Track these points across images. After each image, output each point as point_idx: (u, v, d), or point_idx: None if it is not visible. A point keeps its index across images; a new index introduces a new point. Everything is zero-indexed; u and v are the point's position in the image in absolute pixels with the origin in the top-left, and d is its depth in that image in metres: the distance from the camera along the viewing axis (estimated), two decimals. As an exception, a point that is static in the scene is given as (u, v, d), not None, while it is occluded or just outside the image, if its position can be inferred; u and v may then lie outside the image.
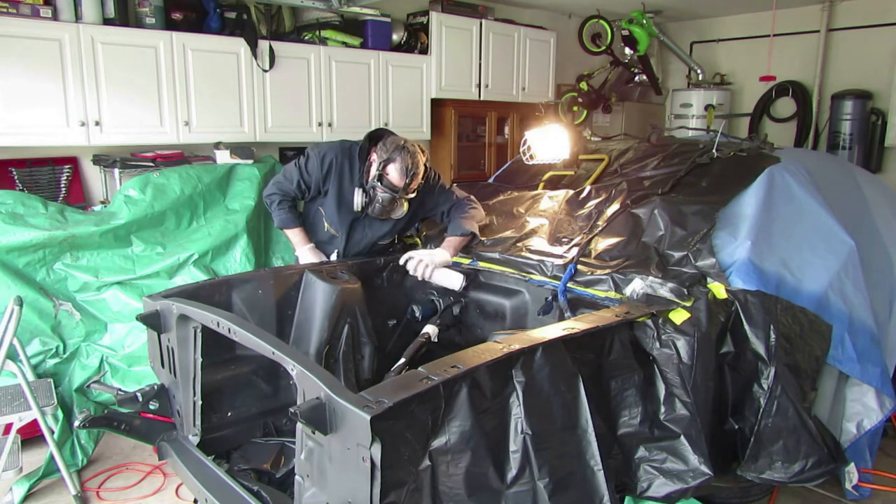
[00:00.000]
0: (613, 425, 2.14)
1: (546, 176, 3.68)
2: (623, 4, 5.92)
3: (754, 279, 2.43)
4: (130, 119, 3.93)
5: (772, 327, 2.32)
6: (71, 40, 3.66)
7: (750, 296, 2.36)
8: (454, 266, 3.16)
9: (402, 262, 3.16)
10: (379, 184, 3.06)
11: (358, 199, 3.12)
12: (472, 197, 3.40)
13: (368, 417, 1.48)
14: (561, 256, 2.82)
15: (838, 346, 2.56)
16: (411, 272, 3.12)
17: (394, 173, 3.04)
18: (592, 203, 3.08)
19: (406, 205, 3.18)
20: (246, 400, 2.81)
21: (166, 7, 4.08)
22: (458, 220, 3.23)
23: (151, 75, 3.98)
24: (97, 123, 3.81)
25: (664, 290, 2.43)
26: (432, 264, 3.09)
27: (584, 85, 6.23)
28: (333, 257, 3.29)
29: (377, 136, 3.20)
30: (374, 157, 3.12)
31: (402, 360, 2.72)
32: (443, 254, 3.14)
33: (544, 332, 2.02)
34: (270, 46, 4.42)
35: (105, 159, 4.04)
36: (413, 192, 3.13)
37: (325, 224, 3.29)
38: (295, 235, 3.28)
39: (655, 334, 2.22)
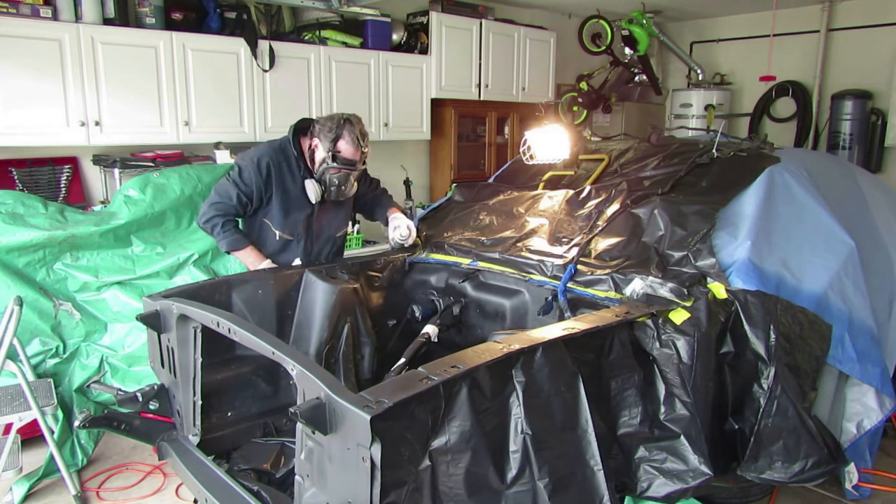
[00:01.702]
0: (613, 425, 2.15)
1: (546, 176, 3.67)
2: (623, 4, 5.92)
3: (754, 279, 2.43)
4: (130, 119, 3.93)
5: (772, 327, 2.33)
6: (71, 40, 3.67)
7: (750, 296, 2.36)
8: (454, 266, 3.17)
9: (393, 235, 3.27)
10: (334, 164, 2.98)
11: (312, 190, 3.03)
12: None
13: (368, 417, 1.48)
14: (561, 256, 2.82)
15: (838, 346, 2.56)
16: (409, 241, 3.25)
17: (347, 147, 2.97)
18: (592, 203, 3.08)
19: (356, 183, 3.16)
20: (246, 400, 2.81)
21: (166, 7, 4.08)
22: (389, 198, 3.49)
23: (151, 75, 3.98)
24: (97, 123, 3.81)
25: (664, 290, 2.43)
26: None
27: (584, 85, 6.23)
28: (297, 264, 3.14)
29: (303, 126, 3.11)
30: (315, 142, 3.02)
31: (402, 360, 2.72)
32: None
33: (544, 332, 2.02)
34: (270, 46, 4.42)
35: (105, 159, 4.04)
36: (364, 161, 3.08)
37: (276, 233, 3.12)
38: (248, 255, 3.08)
39: (655, 334, 2.22)
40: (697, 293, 2.37)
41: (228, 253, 3.14)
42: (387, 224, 3.39)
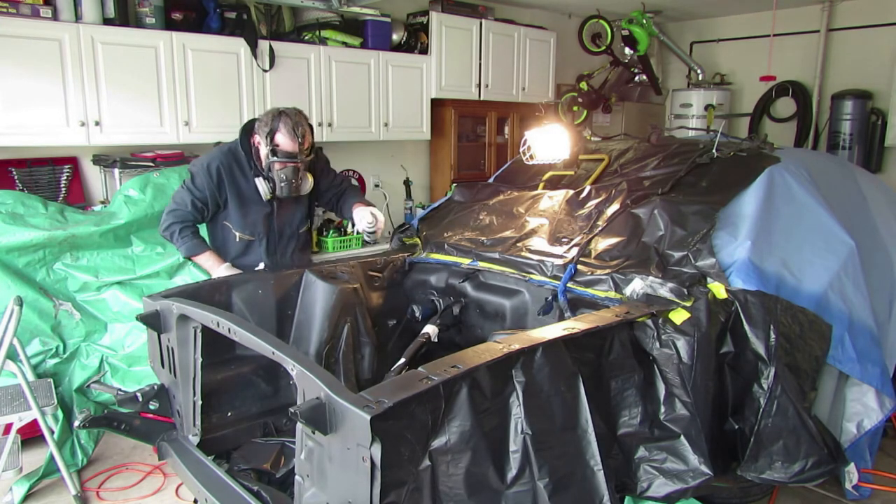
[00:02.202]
0: (613, 425, 2.15)
1: (546, 176, 3.67)
2: (623, 4, 5.92)
3: (754, 279, 2.43)
4: (130, 119, 3.93)
5: (772, 327, 2.33)
6: (71, 40, 3.67)
7: (750, 296, 2.36)
8: (454, 266, 3.17)
9: (361, 226, 3.22)
10: (275, 158, 2.99)
11: (262, 187, 3.05)
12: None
13: (368, 417, 1.48)
14: (561, 256, 2.82)
15: (838, 346, 2.57)
16: (377, 234, 3.23)
17: (283, 139, 2.98)
18: (592, 203, 3.08)
19: (310, 177, 3.16)
20: (246, 400, 2.81)
21: (166, 7, 4.08)
22: (355, 191, 3.48)
23: (151, 75, 3.98)
24: (97, 123, 3.81)
25: (664, 290, 2.43)
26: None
27: (584, 85, 6.23)
28: (261, 268, 3.14)
29: (250, 126, 3.14)
30: (256, 139, 3.06)
31: (402, 360, 2.72)
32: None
33: (544, 332, 2.02)
34: (270, 46, 4.42)
35: (105, 159, 4.04)
36: (308, 152, 3.06)
37: (237, 234, 3.16)
38: (207, 259, 3.13)
39: (655, 334, 2.22)
40: (697, 293, 2.37)
41: (188, 259, 3.19)
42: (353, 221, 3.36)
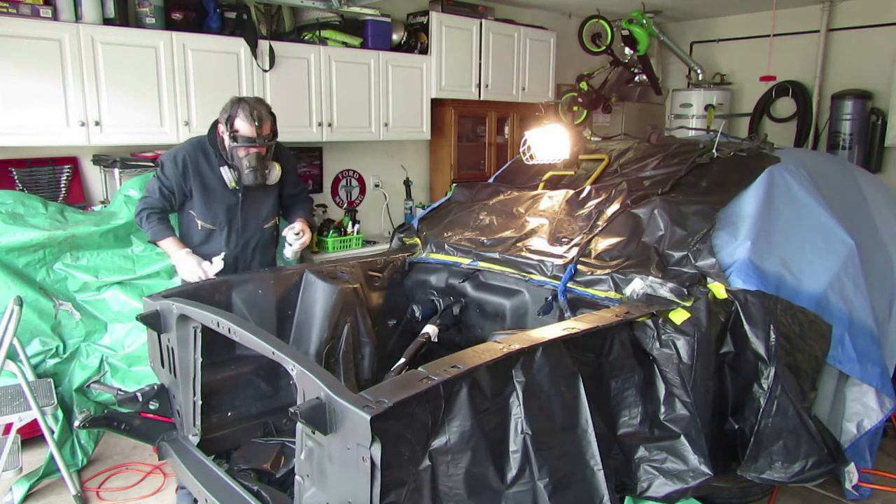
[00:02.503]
0: (613, 425, 2.15)
1: (546, 176, 3.68)
2: (623, 4, 5.92)
3: (754, 279, 2.43)
4: (130, 119, 3.93)
5: (772, 327, 2.33)
6: (71, 40, 3.66)
7: (750, 296, 2.36)
8: (454, 266, 3.17)
9: (287, 232, 3.32)
10: (236, 144, 3.04)
11: (227, 175, 3.10)
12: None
13: (368, 417, 1.48)
14: (561, 256, 2.82)
15: (838, 346, 2.57)
16: (295, 246, 3.32)
17: (242, 123, 3.02)
18: (592, 203, 3.08)
19: (278, 167, 3.19)
20: (246, 400, 2.81)
21: (166, 7, 4.08)
22: (307, 205, 3.54)
23: (151, 75, 3.98)
24: (97, 123, 3.80)
25: (664, 290, 2.43)
26: (307, 240, 3.37)
27: (584, 85, 6.23)
28: (218, 260, 3.13)
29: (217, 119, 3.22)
30: (220, 128, 3.12)
31: (402, 360, 2.72)
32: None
33: (544, 332, 2.02)
34: (270, 46, 4.42)
35: (105, 159, 4.04)
36: (270, 137, 3.10)
37: (199, 223, 3.22)
38: (168, 244, 3.16)
39: (655, 334, 2.22)
40: (697, 293, 2.37)
41: (153, 243, 3.23)
42: None
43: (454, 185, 4.07)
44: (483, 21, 5.59)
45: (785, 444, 2.28)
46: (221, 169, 3.11)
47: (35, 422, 2.83)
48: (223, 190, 3.17)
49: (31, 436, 3.20)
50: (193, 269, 3.07)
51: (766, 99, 6.63)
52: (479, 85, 5.67)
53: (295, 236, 3.31)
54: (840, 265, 2.70)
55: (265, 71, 4.42)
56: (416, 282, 3.30)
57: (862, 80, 6.04)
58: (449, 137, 5.64)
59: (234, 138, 3.03)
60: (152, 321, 2.54)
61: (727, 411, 2.37)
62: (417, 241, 3.51)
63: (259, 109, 3.04)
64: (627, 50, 6.17)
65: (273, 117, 3.14)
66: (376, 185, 5.63)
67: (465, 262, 3.14)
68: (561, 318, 2.59)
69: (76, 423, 2.24)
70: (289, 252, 3.39)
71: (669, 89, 7.28)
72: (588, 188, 3.21)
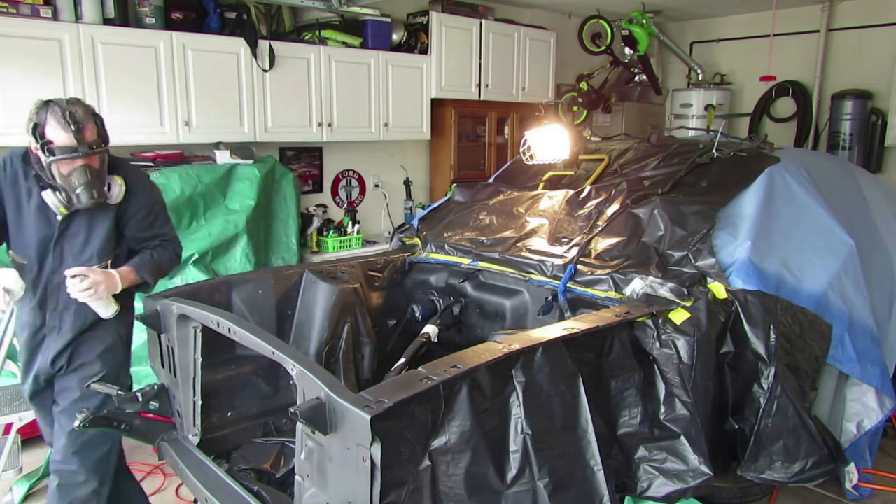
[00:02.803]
0: (613, 425, 2.15)
1: (546, 176, 3.68)
2: (623, 4, 5.92)
3: (754, 279, 2.43)
4: (130, 119, 3.93)
5: (772, 327, 2.33)
6: (71, 40, 3.66)
7: (750, 296, 2.36)
8: (454, 266, 3.17)
9: (68, 273, 2.30)
10: (53, 158, 2.23)
11: (52, 200, 2.28)
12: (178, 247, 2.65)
13: (368, 417, 1.48)
14: (561, 256, 2.82)
15: (838, 346, 2.57)
16: (73, 291, 2.30)
17: (54, 131, 2.23)
18: (592, 203, 3.08)
19: (121, 182, 2.39)
20: (246, 400, 2.81)
21: (166, 7, 4.08)
22: (152, 255, 2.51)
23: (151, 75, 3.98)
24: (97, 123, 3.80)
25: (664, 290, 2.43)
26: (102, 292, 2.33)
27: (584, 85, 6.23)
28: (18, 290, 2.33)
29: None
30: (30, 143, 2.30)
31: (402, 360, 2.72)
32: (115, 283, 2.38)
33: (544, 332, 2.02)
34: (270, 46, 4.42)
35: (105, 159, 4.04)
36: (97, 143, 2.31)
37: (11, 253, 2.43)
38: None
39: (655, 334, 2.22)
40: (697, 293, 2.37)
41: None
42: None
43: (454, 185, 4.07)
44: (483, 21, 5.59)
45: (785, 444, 2.28)
46: (43, 194, 2.29)
47: (35, 422, 2.83)
48: (38, 216, 2.35)
49: (31, 436, 3.20)
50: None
51: (766, 99, 6.63)
52: (479, 85, 5.67)
53: (72, 279, 2.29)
54: (840, 265, 2.70)
55: (265, 71, 4.43)
56: (416, 282, 3.30)
57: (862, 80, 6.04)
58: (449, 137, 5.64)
59: (49, 151, 2.23)
60: (152, 321, 2.53)
61: (727, 411, 2.37)
62: (417, 241, 3.50)
63: (74, 110, 2.27)
64: (627, 50, 6.17)
65: (97, 118, 2.35)
66: (376, 185, 5.63)
67: (465, 262, 3.13)
68: (561, 318, 2.59)
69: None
70: (98, 308, 2.39)
71: (669, 89, 7.29)
72: (588, 188, 3.21)
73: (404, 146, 5.76)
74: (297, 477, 1.84)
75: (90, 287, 2.28)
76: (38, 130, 2.26)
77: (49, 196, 2.29)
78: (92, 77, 3.77)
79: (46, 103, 2.29)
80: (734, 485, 2.62)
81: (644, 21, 6.04)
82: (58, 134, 2.24)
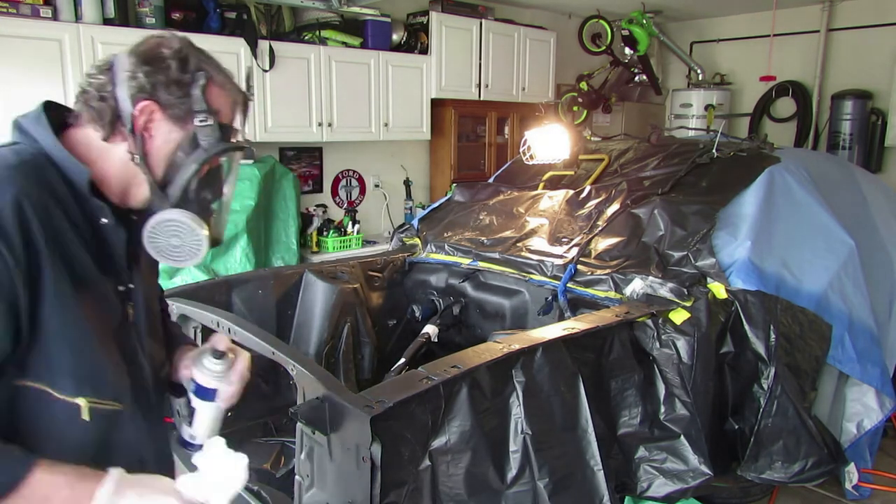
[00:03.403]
0: (613, 425, 2.15)
1: (546, 176, 3.68)
2: (623, 4, 5.92)
3: (754, 279, 2.43)
4: (130, 119, 3.93)
5: (772, 327, 2.33)
6: (71, 40, 3.66)
7: (750, 296, 2.36)
8: (454, 266, 3.17)
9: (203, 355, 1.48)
10: (222, 144, 1.25)
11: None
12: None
13: (368, 417, 1.48)
14: (561, 256, 2.82)
15: (838, 346, 2.57)
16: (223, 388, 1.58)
17: (222, 95, 1.24)
18: (592, 203, 3.08)
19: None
20: (246, 400, 2.80)
21: (166, 7, 4.08)
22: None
23: (151, 75, 3.98)
24: (97, 123, 3.81)
25: (664, 290, 2.43)
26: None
27: (584, 85, 6.23)
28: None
29: (62, 109, 1.32)
30: (145, 107, 1.17)
31: (402, 360, 2.72)
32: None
33: (544, 332, 2.02)
34: (270, 46, 4.42)
35: (105, 159, 4.04)
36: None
37: (74, 401, 1.10)
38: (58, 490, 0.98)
39: (655, 334, 2.22)
40: (697, 293, 2.37)
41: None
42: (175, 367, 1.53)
43: (454, 185, 4.07)
44: (483, 21, 5.59)
45: (785, 444, 2.28)
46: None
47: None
48: (108, 294, 1.18)
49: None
50: None
51: (766, 99, 6.63)
52: (479, 85, 5.67)
53: (217, 363, 1.47)
54: (840, 265, 2.70)
55: (265, 71, 4.42)
56: (416, 282, 3.30)
57: (862, 80, 6.04)
58: (449, 137, 5.64)
59: (221, 126, 1.25)
60: (152, 321, 2.53)
61: (727, 411, 2.37)
62: (417, 241, 3.50)
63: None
64: (627, 50, 6.17)
65: None
66: (376, 185, 5.63)
67: (465, 262, 3.13)
68: (561, 318, 2.59)
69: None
70: (207, 417, 1.56)
71: (669, 89, 7.28)
72: (588, 188, 3.21)
73: (404, 146, 5.76)
74: (297, 477, 1.84)
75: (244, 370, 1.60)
76: (203, 85, 1.15)
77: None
78: (92, 77, 3.77)
79: (188, 44, 1.17)
80: (734, 485, 2.62)
81: (644, 21, 6.04)
82: (226, 99, 1.18)
